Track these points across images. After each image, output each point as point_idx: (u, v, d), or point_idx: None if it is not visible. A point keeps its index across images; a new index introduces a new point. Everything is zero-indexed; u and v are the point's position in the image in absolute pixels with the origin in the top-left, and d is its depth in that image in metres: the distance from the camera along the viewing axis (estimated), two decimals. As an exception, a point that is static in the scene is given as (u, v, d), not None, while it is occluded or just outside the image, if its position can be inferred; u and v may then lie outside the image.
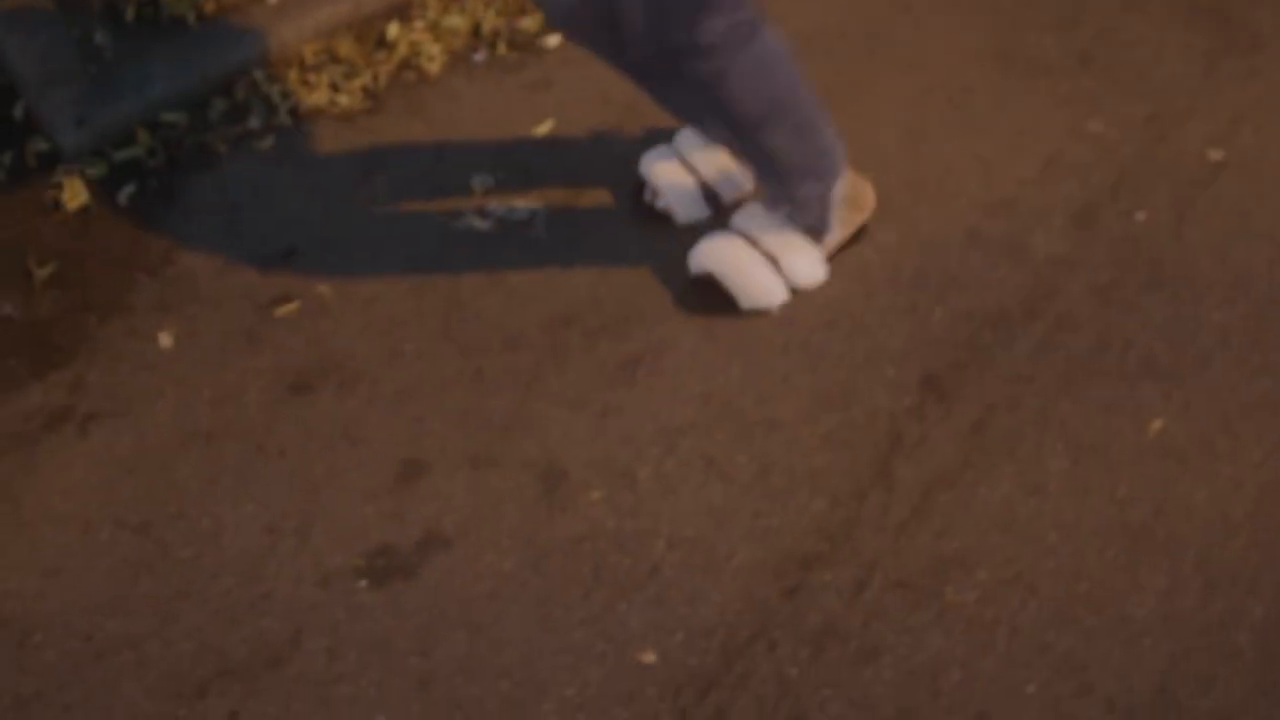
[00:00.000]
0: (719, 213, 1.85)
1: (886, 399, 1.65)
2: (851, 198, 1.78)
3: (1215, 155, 1.96)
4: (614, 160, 1.98)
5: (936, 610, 1.44)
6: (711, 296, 1.75)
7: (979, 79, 2.12)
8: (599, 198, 1.94)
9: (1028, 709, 1.36)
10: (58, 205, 1.99)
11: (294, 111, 2.11)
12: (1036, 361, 1.69)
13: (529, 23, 2.24)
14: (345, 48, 2.21)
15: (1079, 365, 1.68)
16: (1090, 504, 1.54)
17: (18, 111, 2.14)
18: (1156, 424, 1.61)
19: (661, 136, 1.93)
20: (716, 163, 1.85)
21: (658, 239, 1.86)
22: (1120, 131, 2.01)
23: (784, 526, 1.52)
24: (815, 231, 1.75)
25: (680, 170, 1.85)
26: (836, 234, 1.78)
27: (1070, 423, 1.62)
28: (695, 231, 1.81)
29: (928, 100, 2.08)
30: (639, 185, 1.90)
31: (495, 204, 1.93)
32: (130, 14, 2.20)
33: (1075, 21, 2.23)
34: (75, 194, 2.00)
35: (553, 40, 2.21)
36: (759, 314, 1.75)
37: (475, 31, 2.24)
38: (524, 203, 1.93)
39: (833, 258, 1.79)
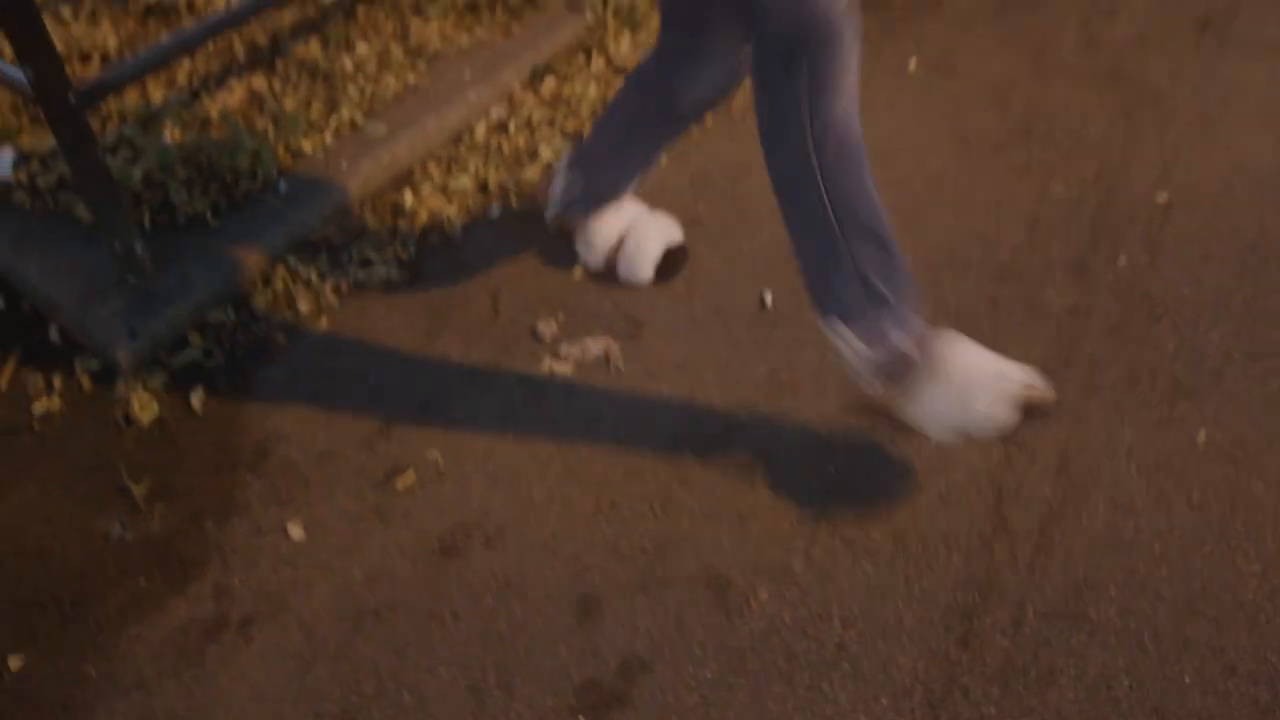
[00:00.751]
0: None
1: (978, 457, 1.86)
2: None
3: (1161, 198, 2.28)
4: (663, 290, 2.15)
5: (1088, 630, 1.64)
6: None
7: (946, 164, 2.39)
8: (660, 325, 2.10)
9: (1191, 697, 1.57)
10: (129, 420, 2.02)
11: (337, 290, 2.20)
12: (1087, 401, 1.93)
13: (530, 173, 2.40)
14: (367, 223, 2.32)
15: (1122, 398, 1.94)
16: (1174, 512, 1.78)
17: (53, 334, 2.16)
18: (1201, 435, 1.87)
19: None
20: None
21: (729, 340, 2.03)
22: (1078, 190, 2.31)
23: (935, 585, 1.70)
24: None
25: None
26: None
27: (1135, 448, 1.86)
28: (755, 329, 1.99)
29: (909, 187, 2.34)
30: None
31: (566, 346, 2.07)
32: (147, 220, 2.26)
33: (1005, 100, 2.55)
34: (145, 406, 2.03)
35: (556, 186, 2.38)
36: (839, 386, 1.94)
37: (483, 188, 2.39)
38: (593, 341, 2.07)
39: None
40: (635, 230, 2.12)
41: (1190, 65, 2.66)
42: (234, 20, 2.16)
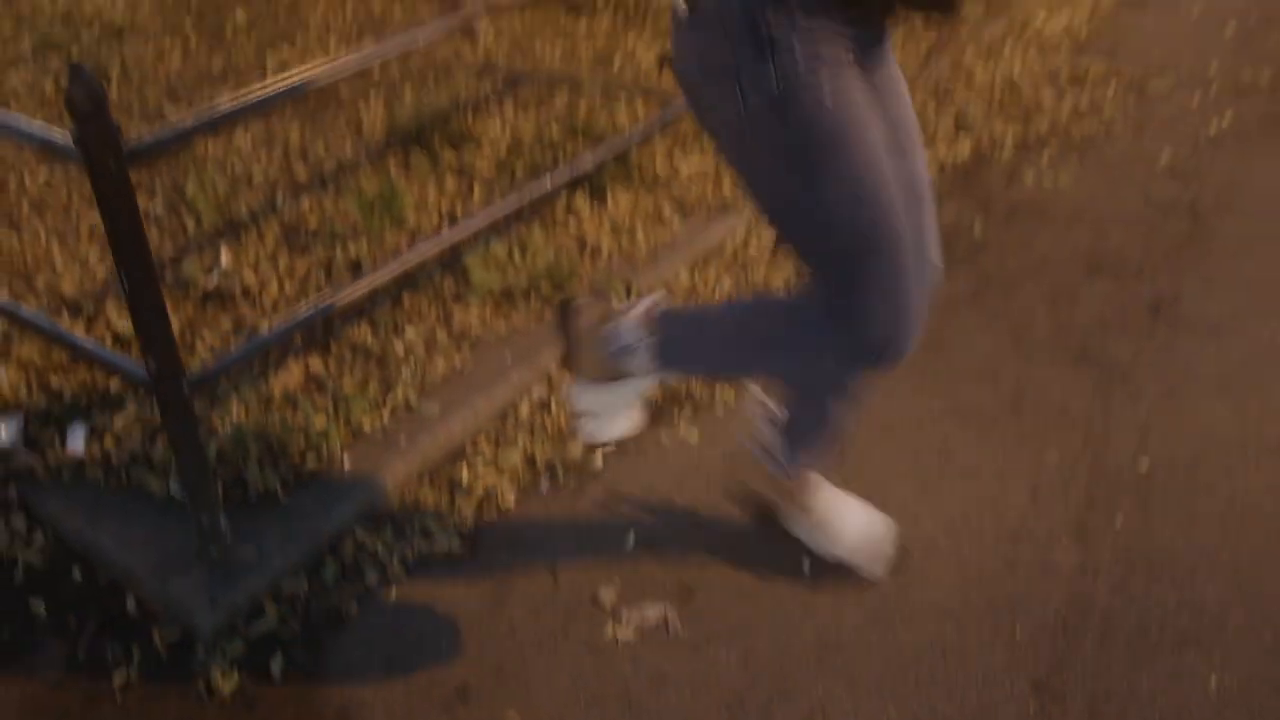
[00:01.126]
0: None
1: (1014, 713, 2.03)
2: None
3: (1143, 464, 2.56)
4: (711, 549, 2.34)
5: None
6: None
7: (949, 436, 2.66)
8: (712, 589, 2.28)
9: None
10: (210, 690, 2.12)
11: (402, 560, 2.36)
12: (1107, 653, 2.13)
13: (573, 449, 2.62)
14: (425, 496, 2.50)
15: (1136, 650, 2.13)
16: (1200, 758, 1.95)
17: (130, 605, 2.27)
18: (1213, 681, 2.07)
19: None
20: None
21: (776, 602, 2.21)
22: (1070, 458, 2.58)
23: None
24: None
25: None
26: None
27: (1155, 695, 2.04)
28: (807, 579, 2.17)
29: (920, 460, 2.59)
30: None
31: (626, 611, 2.23)
32: (220, 494, 2.41)
33: (994, 375, 2.85)
34: (226, 676, 2.13)
35: (598, 462, 2.60)
36: (884, 644, 2.11)
37: (531, 463, 2.60)
38: (652, 605, 2.24)
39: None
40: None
41: (1149, 344, 3.00)
42: (311, 320, 2.41)
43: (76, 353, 2.58)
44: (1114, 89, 4.52)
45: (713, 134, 1.79)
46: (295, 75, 2.26)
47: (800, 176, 1.68)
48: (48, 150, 2.05)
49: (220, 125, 2.12)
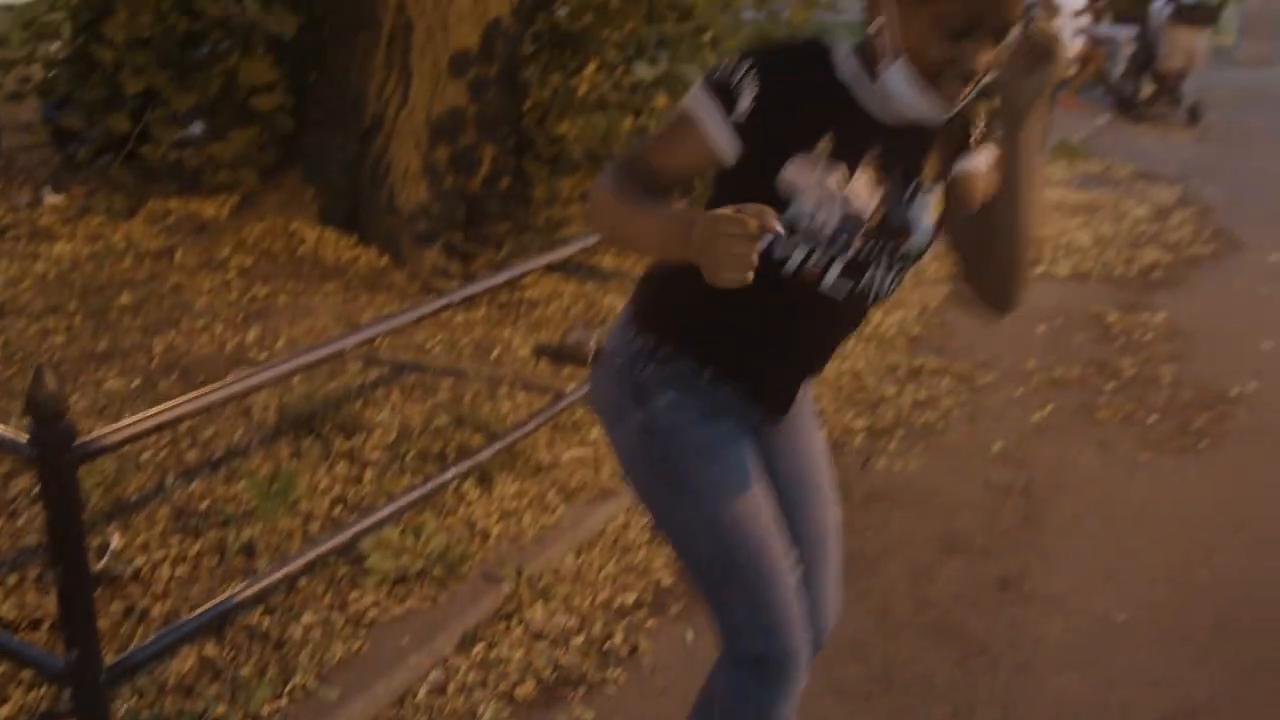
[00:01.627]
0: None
1: None
2: None
3: (1009, 736, 2.75)
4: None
5: None
6: None
7: (828, 713, 2.81)
8: None
9: None
10: None
11: None
12: None
13: (474, 731, 2.67)
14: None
15: None
16: None
17: None
18: None
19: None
20: None
21: None
22: (943, 732, 2.76)
23: None
24: None
25: None
26: None
27: None
28: None
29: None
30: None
31: None
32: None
33: (865, 651, 3.05)
34: None
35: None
36: None
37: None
38: None
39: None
40: None
41: (1001, 618, 3.26)
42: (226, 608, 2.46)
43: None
44: (947, 382, 5.00)
45: (614, 451, 2.01)
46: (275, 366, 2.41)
47: (668, 505, 1.91)
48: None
49: (171, 425, 2.23)
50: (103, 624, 2.89)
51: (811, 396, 2.07)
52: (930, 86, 1.61)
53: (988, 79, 1.63)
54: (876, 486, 4.05)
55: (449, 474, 3.30)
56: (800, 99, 1.67)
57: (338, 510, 3.45)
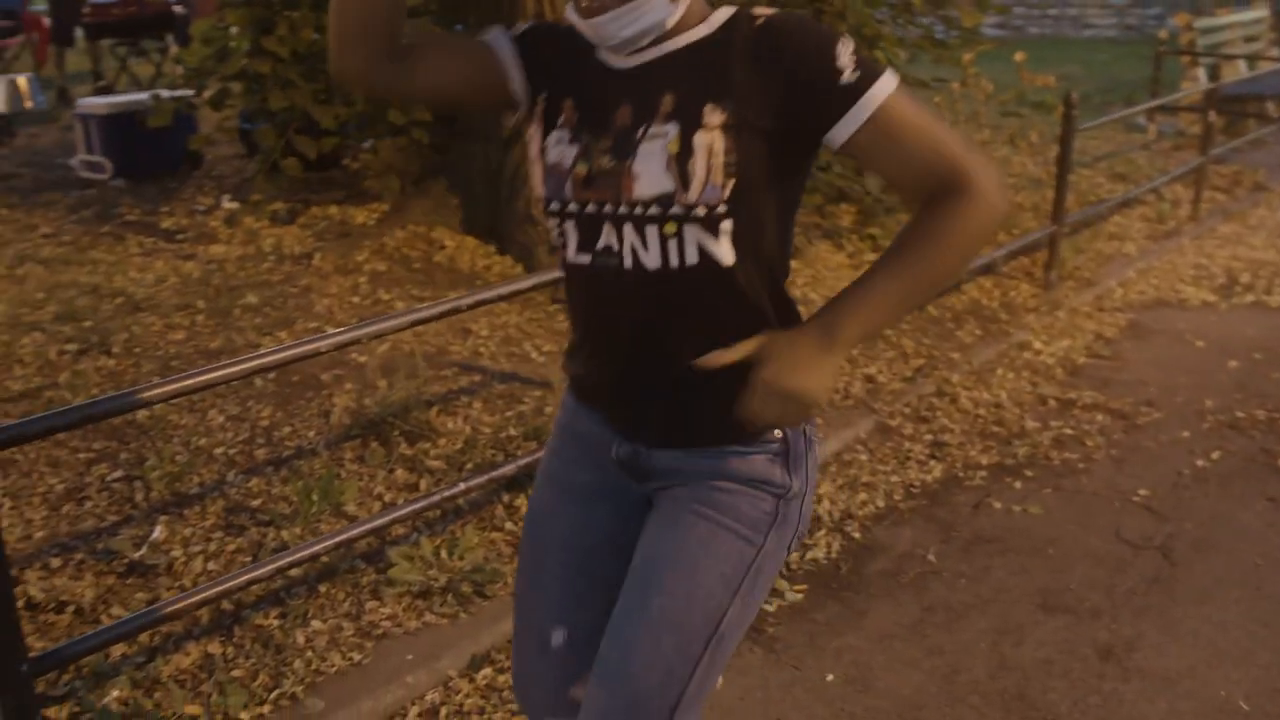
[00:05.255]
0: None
1: None
2: None
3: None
4: None
5: None
6: None
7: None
8: None
9: None
10: None
11: None
12: None
13: (452, 762, 2.49)
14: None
15: None
16: None
17: None
18: None
19: None
20: None
21: None
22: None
23: None
24: None
25: None
26: None
27: None
28: None
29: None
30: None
31: None
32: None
33: (915, 717, 2.68)
34: None
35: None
36: None
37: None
38: None
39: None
40: None
41: (1093, 693, 2.81)
42: (209, 593, 2.37)
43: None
44: (1101, 419, 4.48)
45: None
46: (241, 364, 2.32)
47: None
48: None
49: (83, 425, 2.16)
50: (120, 612, 2.89)
51: (741, 500, 1.62)
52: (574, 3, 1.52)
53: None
54: (985, 530, 3.62)
55: (480, 478, 3.13)
56: (552, 67, 1.61)
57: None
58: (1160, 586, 3.32)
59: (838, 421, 4.18)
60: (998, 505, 3.79)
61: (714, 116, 1.48)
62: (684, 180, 1.47)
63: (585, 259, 1.57)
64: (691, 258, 1.51)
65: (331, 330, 2.94)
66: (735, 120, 1.48)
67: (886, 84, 1.48)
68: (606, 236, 1.54)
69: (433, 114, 5.86)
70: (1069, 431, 4.36)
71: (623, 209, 1.51)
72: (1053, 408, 4.59)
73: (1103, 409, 4.58)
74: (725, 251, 1.51)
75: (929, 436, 4.26)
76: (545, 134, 1.58)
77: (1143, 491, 3.90)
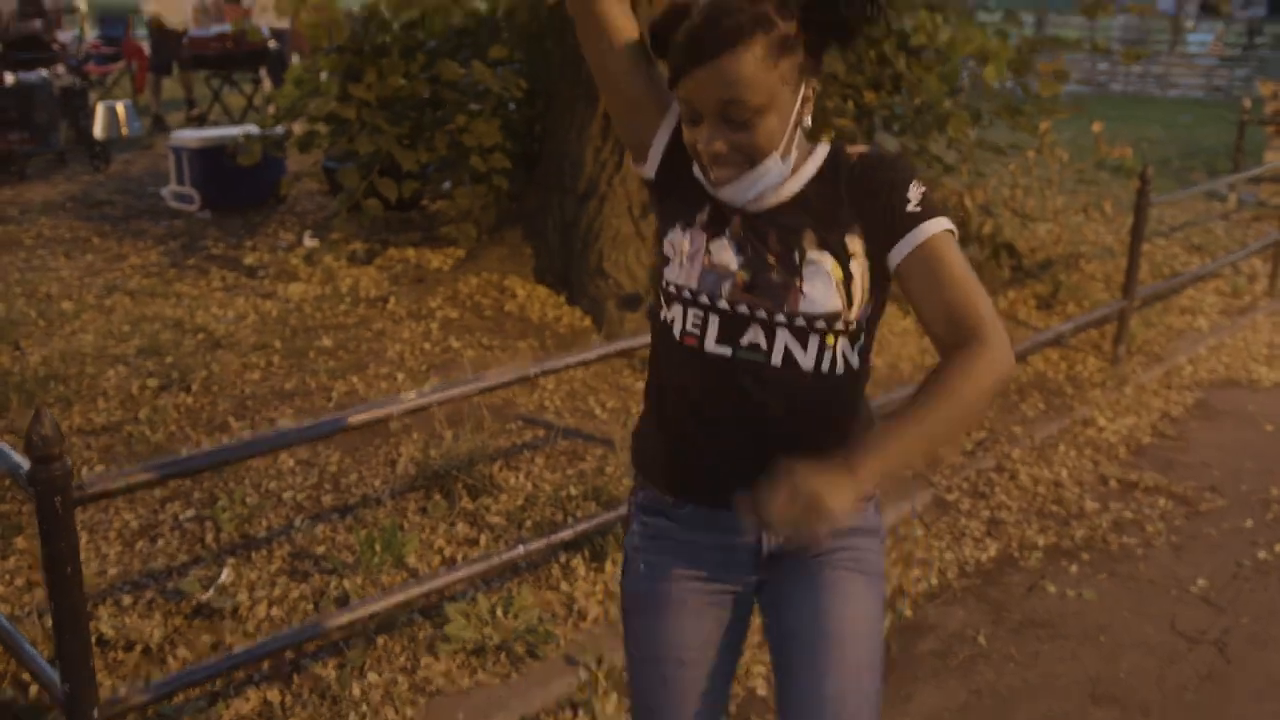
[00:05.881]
0: None
1: None
2: None
3: None
4: None
5: None
6: None
7: None
8: None
9: None
10: None
11: None
12: None
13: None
14: None
15: None
16: None
17: None
18: None
19: None
20: None
21: None
22: None
23: None
24: None
25: None
26: None
27: None
28: None
29: None
30: None
31: None
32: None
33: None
34: None
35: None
36: None
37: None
38: None
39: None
40: None
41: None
42: (277, 645, 2.46)
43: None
44: (1163, 503, 4.44)
45: None
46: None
47: None
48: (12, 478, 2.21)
49: (178, 475, 2.27)
50: (186, 654, 3.00)
51: (864, 558, 1.84)
52: (703, 172, 1.73)
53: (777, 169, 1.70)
54: (1037, 613, 3.62)
55: (540, 542, 3.21)
56: (687, 173, 1.79)
57: (444, 572, 3.43)
58: (1214, 683, 3.29)
59: (894, 494, 4.19)
60: (1052, 589, 3.78)
61: (855, 245, 1.72)
62: (849, 300, 1.72)
63: (726, 351, 1.74)
64: (840, 364, 1.76)
65: (403, 395, 3.02)
66: (865, 248, 1.72)
67: (941, 223, 1.69)
68: (753, 335, 1.73)
69: (512, 163, 6.00)
70: (1129, 515, 4.33)
71: (780, 317, 1.72)
72: (1114, 489, 4.56)
73: (1165, 492, 4.54)
74: (855, 358, 1.78)
75: (986, 513, 4.26)
76: (710, 237, 1.75)
77: (1201, 581, 3.86)
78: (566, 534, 3.25)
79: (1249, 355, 6.28)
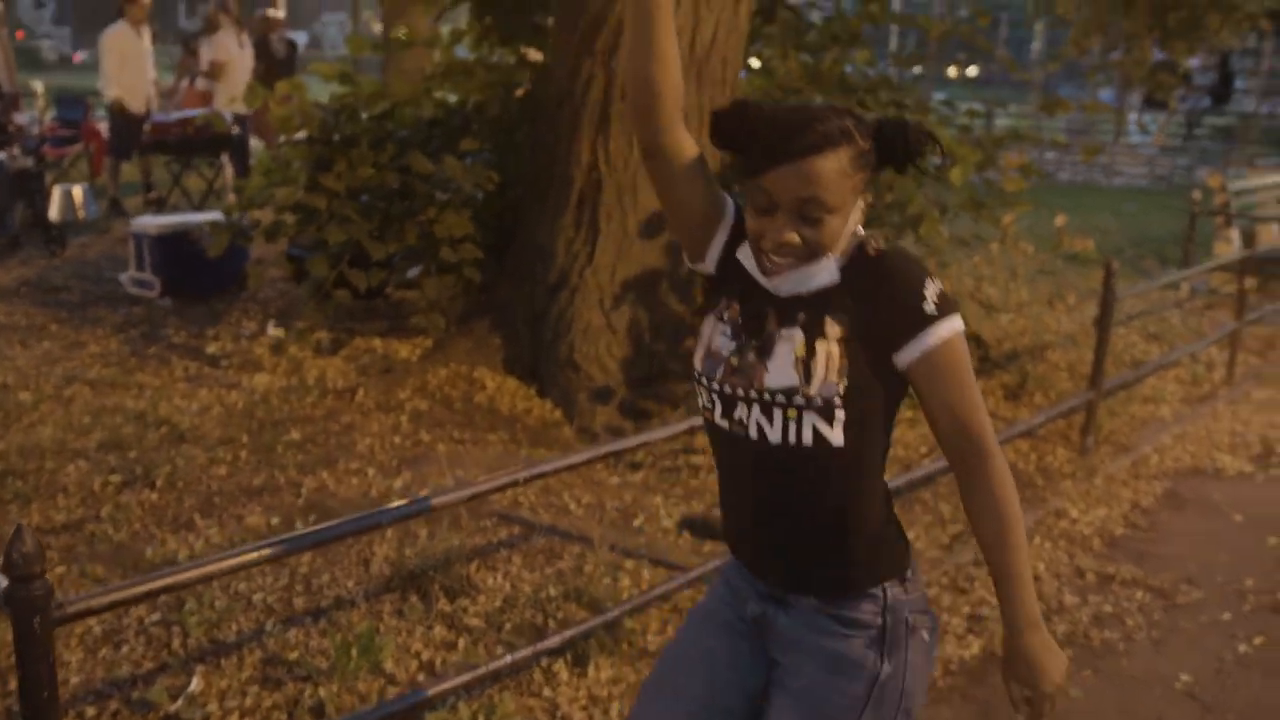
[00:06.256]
0: None
1: None
2: None
3: None
4: None
5: None
6: None
7: None
8: None
9: None
10: None
11: None
12: None
13: None
14: None
15: None
16: None
17: None
18: None
19: None
20: None
21: None
22: None
23: None
24: None
25: None
26: None
27: None
28: None
29: None
30: None
31: None
32: None
33: None
34: None
35: None
36: None
37: None
38: None
39: None
40: None
41: None
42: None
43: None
44: (1140, 595, 4.43)
45: None
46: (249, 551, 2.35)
47: None
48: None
49: (167, 591, 2.18)
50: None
51: (844, 654, 1.93)
52: (759, 259, 1.87)
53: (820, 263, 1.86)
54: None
55: (523, 651, 3.13)
56: (732, 268, 1.95)
57: (422, 677, 3.33)
58: (1205, 785, 3.25)
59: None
60: (1037, 687, 3.73)
61: (834, 330, 1.84)
62: (806, 376, 1.83)
63: (725, 425, 1.92)
64: (809, 438, 1.85)
65: (394, 504, 2.94)
66: (848, 334, 1.84)
67: (954, 325, 1.83)
68: (740, 411, 1.89)
69: (484, 252, 5.99)
70: (1108, 608, 4.31)
71: (752, 393, 1.86)
72: (1091, 581, 4.55)
73: (1142, 585, 4.53)
74: (836, 435, 1.85)
75: (967, 609, 4.22)
76: (715, 323, 1.94)
77: (1185, 677, 3.84)
78: (554, 641, 3.17)
79: (1212, 444, 6.35)
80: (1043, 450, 5.85)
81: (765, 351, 1.86)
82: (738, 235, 1.94)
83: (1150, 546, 4.95)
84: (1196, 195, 10.73)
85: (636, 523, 4.52)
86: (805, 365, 1.82)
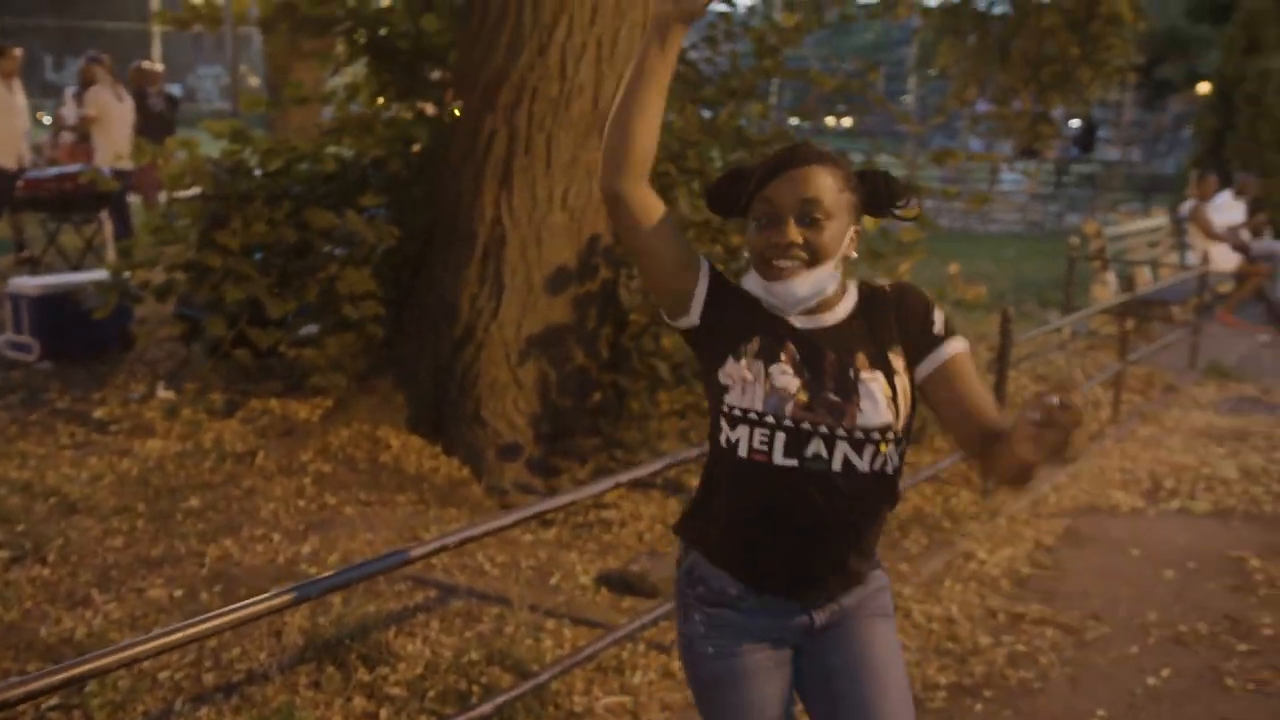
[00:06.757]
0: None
1: None
2: None
3: None
4: None
5: None
6: None
7: None
8: None
9: None
10: None
11: None
12: None
13: None
14: None
15: None
16: None
17: None
18: None
19: None
20: None
21: None
22: None
23: None
24: None
25: None
26: None
27: None
28: None
29: None
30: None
31: None
32: None
33: None
34: None
35: None
36: None
37: None
38: None
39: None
40: None
41: None
42: None
43: None
44: (1051, 634, 4.52)
45: None
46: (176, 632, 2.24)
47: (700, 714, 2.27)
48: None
49: (79, 680, 2.06)
50: None
51: (884, 604, 2.22)
52: (765, 271, 2.05)
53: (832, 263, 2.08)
54: (952, 758, 3.59)
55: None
56: (733, 307, 2.11)
57: (344, 753, 3.21)
58: (1130, 821, 3.31)
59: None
60: (961, 730, 3.77)
61: (898, 362, 2.09)
62: (897, 413, 2.08)
63: (793, 462, 2.05)
64: (890, 465, 2.10)
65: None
66: (905, 364, 2.10)
67: (961, 343, 2.13)
68: (815, 447, 2.04)
69: (384, 307, 5.88)
70: (1021, 648, 4.38)
71: (841, 431, 2.04)
72: (1003, 622, 4.62)
73: (1051, 623, 4.63)
74: (897, 457, 2.12)
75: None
76: (767, 363, 2.06)
77: (1100, 712, 3.92)
78: (487, 708, 3.08)
79: (1105, 481, 6.54)
80: (947, 493, 5.96)
81: (850, 390, 2.05)
82: (718, 285, 2.11)
83: (1056, 584, 5.06)
84: (1074, 241, 11.15)
85: (553, 581, 4.45)
86: (895, 403, 2.07)
